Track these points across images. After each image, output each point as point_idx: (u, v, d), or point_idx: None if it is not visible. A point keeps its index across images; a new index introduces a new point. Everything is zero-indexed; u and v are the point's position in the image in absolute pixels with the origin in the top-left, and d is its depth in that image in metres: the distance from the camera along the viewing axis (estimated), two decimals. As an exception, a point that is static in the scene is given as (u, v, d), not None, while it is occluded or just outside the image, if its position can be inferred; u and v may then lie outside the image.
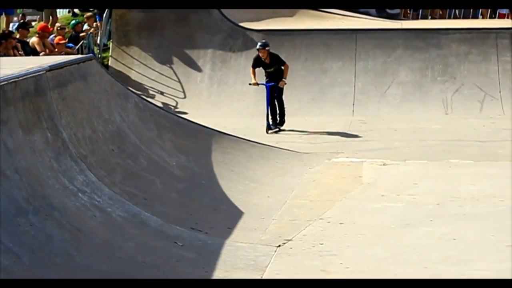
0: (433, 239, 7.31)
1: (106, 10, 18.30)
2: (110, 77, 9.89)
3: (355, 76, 16.43)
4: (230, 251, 6.99)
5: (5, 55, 14.07)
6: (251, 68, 14.42)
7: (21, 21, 20.22)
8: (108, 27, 18.49)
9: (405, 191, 9.26)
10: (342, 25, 18.13)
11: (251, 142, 11.36)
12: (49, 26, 17.90)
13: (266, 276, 6.40)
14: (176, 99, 16.64)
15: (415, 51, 16.58)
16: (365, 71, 16.48)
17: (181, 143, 9.97)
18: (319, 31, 17.18)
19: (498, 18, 21.03)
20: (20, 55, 14.89)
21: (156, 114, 10.23)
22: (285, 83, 14.22)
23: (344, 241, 7.31)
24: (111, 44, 17.94)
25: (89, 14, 19.72)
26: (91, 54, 14.87)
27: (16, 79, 6.88)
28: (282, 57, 14.46)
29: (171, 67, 17.12)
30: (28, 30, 17.26)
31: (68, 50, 16.54)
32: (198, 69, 17.00)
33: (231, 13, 17.38)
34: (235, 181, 9.54)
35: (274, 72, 14.18)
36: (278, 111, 14.27)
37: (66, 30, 18.50)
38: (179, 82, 16.89)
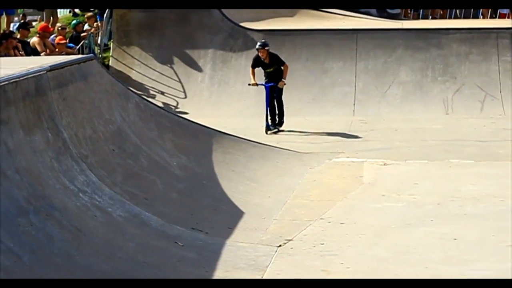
0: (433, 239, 7.31)
1: (107, 10, 18.31)
2: (111, 77, 9.89)
3: (355, 76, 16.42)
4: (231, 251, 6.99)
5: (5, 55, 14.06)
6: (250, 68, 14.37)
7: (22, 21, 20.24)
8: (108, 27, 18.49)
9: (405, 191, 9.26)
10: (342, 25, 18.13)
11: (252, 142, 11.35)
12: (50, 26, 17.90)
13: (266, 276, 6.40)
14: (176, 99, 16.63)
15: (416, 51, 16.57)
16: (366, 71, 16.47)
17: (182, 143, 9.97)
18: (320, 31, 17.18)
19: (499, 18, 21.04)
20: (21, 55, 14.88)
21: (157, 114, 10.23)
22: (285, 84, 14.13)
23: (344, 241, 7.32)
24: (111, 44, 17.94)
25: (89, 14, 19.75)
26: (91, 54, 14.89)
27: (17, 79, 6.88)
28: (283, 57, 14.41)
29: (171, 67, 17.11)
30: (29, 30, 17.26)
31: (69, 50, 16.52)
32: (198, 69, 16.99)
33: (232, 13, 17.37)
34: (235, 181, 9.54)
35: (273, 72, 14.11)
36: (277, 112, 14.21)
37: (67, 30, 18.46)
38: (180, 82, 16.89)
